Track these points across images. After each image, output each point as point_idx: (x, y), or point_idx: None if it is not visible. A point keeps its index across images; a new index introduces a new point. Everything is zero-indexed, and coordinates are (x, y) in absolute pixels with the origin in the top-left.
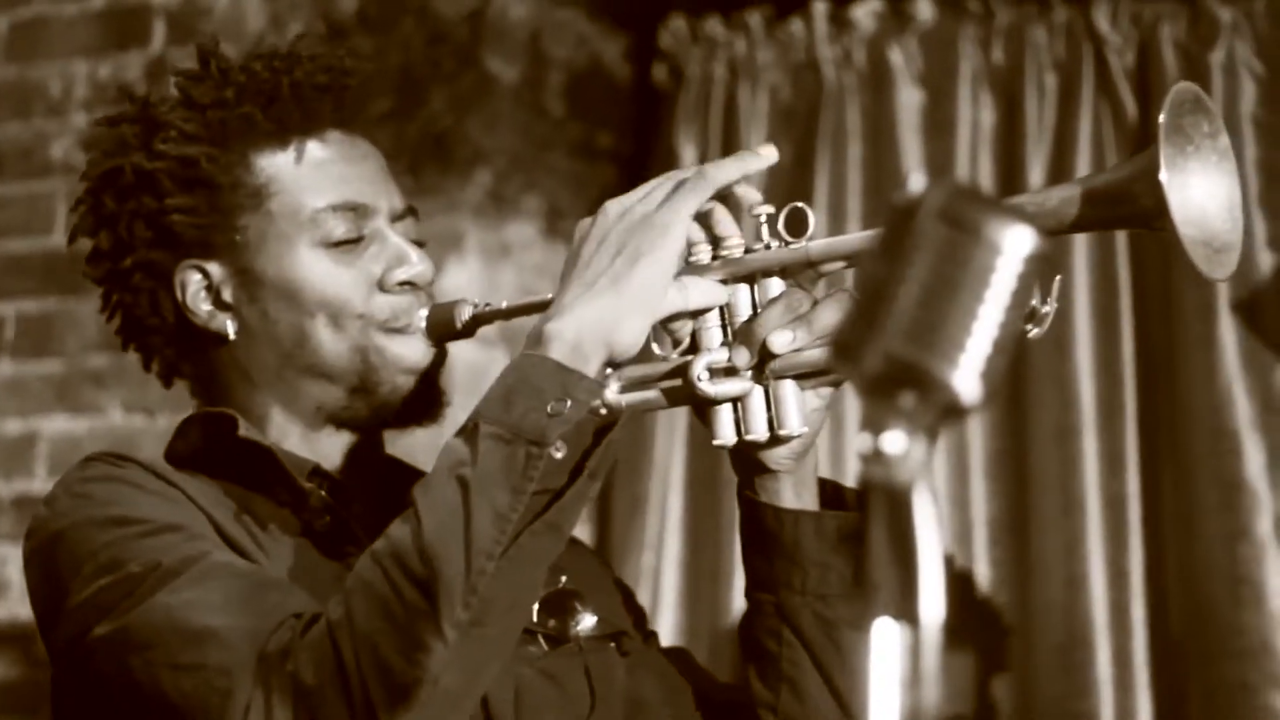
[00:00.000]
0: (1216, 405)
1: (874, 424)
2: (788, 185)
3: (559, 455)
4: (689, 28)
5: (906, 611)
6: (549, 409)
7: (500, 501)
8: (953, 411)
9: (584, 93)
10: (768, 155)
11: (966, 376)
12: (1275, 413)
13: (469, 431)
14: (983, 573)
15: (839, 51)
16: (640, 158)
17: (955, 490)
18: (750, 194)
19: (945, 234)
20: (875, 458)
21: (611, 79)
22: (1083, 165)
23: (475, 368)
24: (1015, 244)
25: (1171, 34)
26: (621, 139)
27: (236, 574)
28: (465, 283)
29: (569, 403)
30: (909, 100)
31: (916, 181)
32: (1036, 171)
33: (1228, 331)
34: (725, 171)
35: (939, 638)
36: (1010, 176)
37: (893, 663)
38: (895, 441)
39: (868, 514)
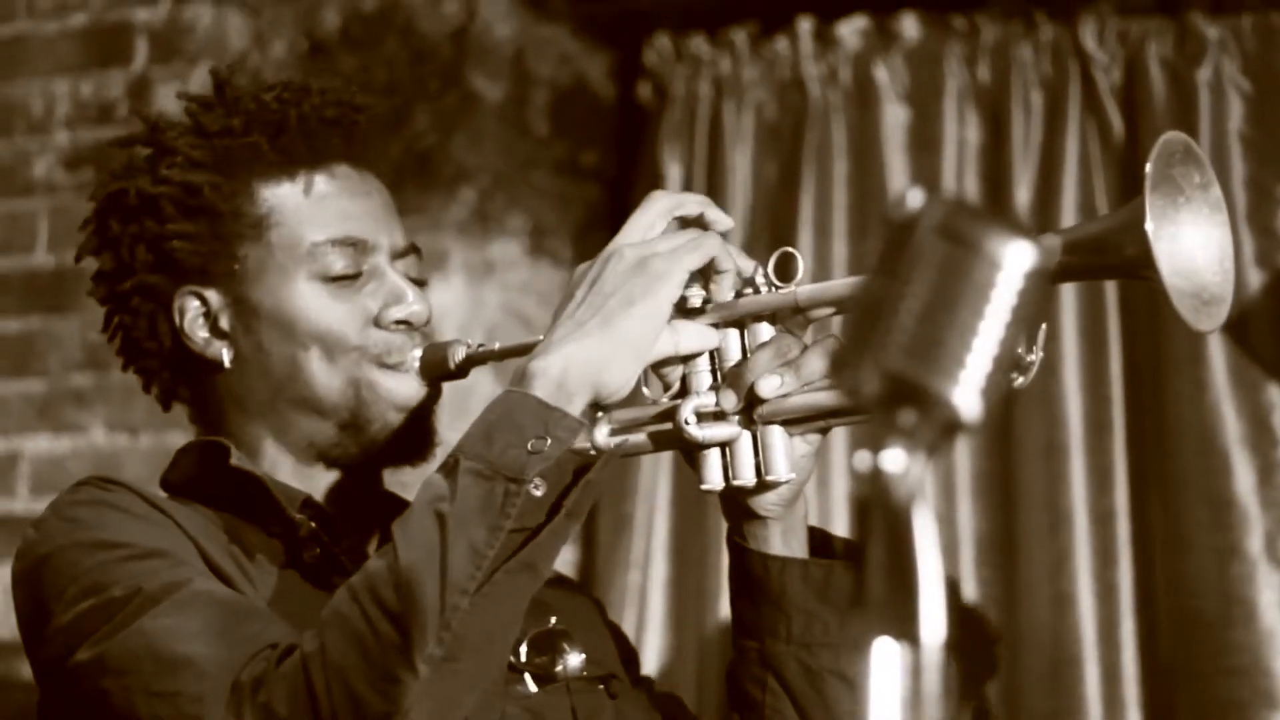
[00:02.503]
0: (1206, 423)
1: (873, 442)
2: (773, 203)
3: (538, 493)
4: (674, 46)
5: (906, 631)
6: (529, 446)
7: (477, 538)
8: (953, 429)
9: (568, 111)
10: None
11: (967, 393)
12: (1265, 430)
13: (449, 467)
14: (971, 591)
15: (824, 69)
16: (625, 176)
17: (942, 508)
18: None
19: (945, 249)
20: (874, 476)
21: (596, 97)
22: (1069, 184)
23: (460, 389)
24: (1016, 259)
25: (1158, 52)
26: (606, 157)
27: (217, 602)
28: (449, 301)
29: (549, 440)
30: (894, 118)
31: (915, 197)
32: (1023, 190)
33: (1216, 349)
34: (729, 256)
35: (939, 658)
36: (996, 194)
37: (893, 684)
38: (895, 459)
39: (865, 533)
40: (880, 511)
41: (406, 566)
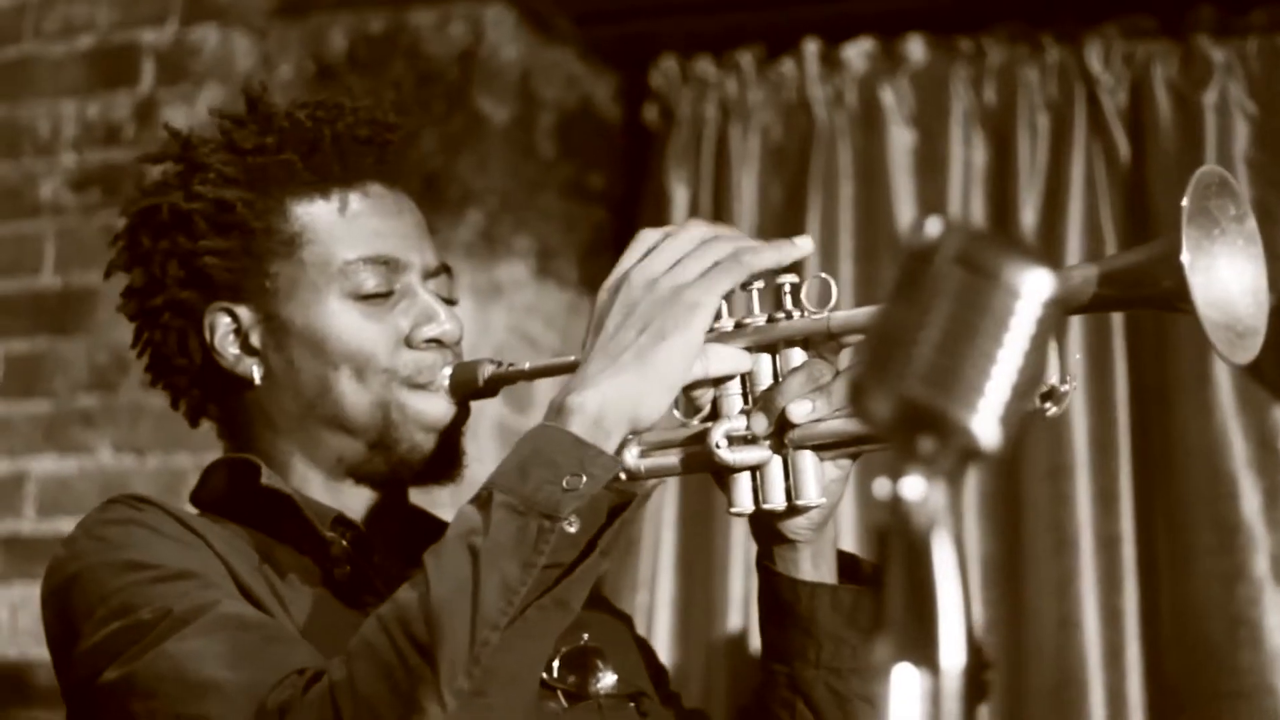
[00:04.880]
0: (1212, 445)
1: (892, 469)
2: (779, 225)
3: (571, 530)
4: (680, 68)
5: (926, 658)
6: (564, 483)
7: (509, 573)
8: (972, 456)
9: (575, 133)
10: (804, 246)
11: (986, 421)
12: (1271, 452)
13: (483, 500)
14: (974, 613)
15: (830, 91)
16: (631, 198)
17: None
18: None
19: (963, 278)
20: (894, 503)
21: (602, 119)
22: (1075, 206)
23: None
24: (1034, 288)
25: (1164, 74)
26: (612, 179)
27: (244, 625)
28: None
29: (584, 478)
30: (901, 140)
31: (933, 225)
32: (1029, 212)
33: (1223, 371)
34: (761, 258)
35: (959, 684)
36: (1003, 217)
37: (912, 710)
38: (914, 487)
39: (885, 560)
40: (900, 538)
41: (438, 599)
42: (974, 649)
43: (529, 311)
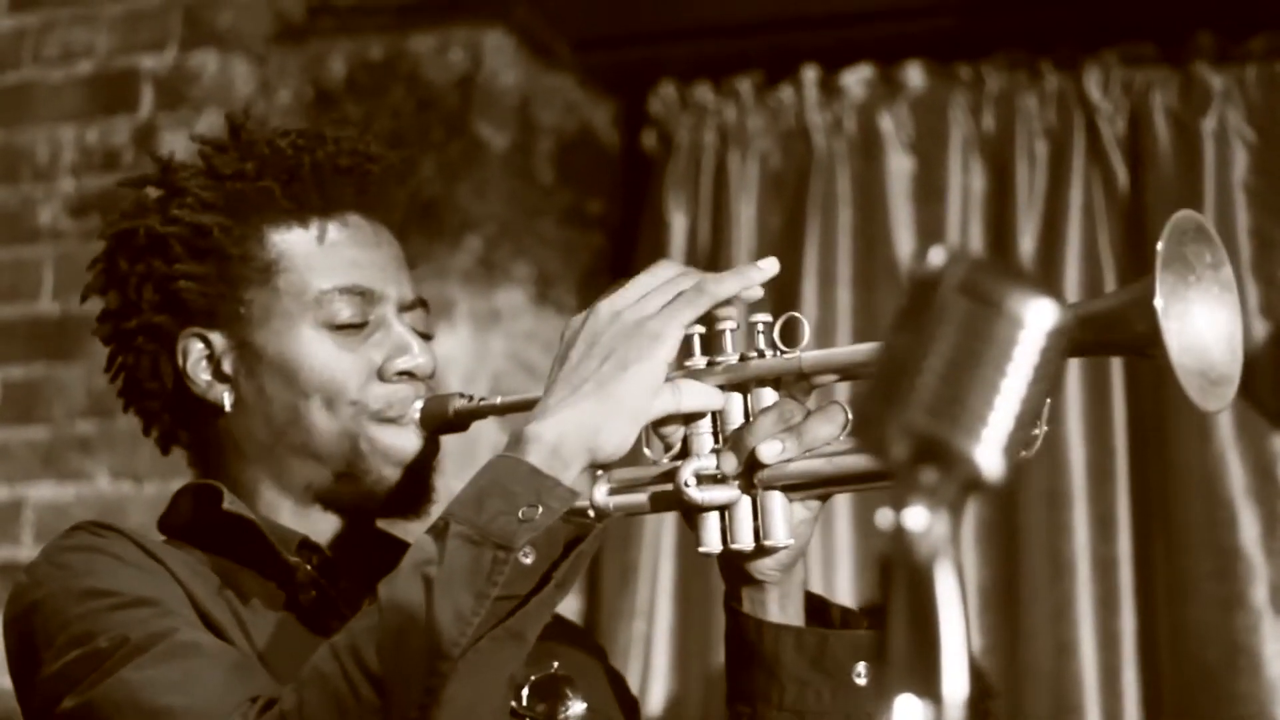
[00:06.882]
0: (1211, 473)
1: (895, 499)
2: (778, 252)
3: (527, 561)
4: (679, 94)
5: (928, 689)
6: (520, 514)
7: (463, 603)
8: (975, 486)
9: (573, 159)
10: (768, 268)
11: (989, 451)
12: (1270, 480)
13: (439, 530)
14: (972, 640)
15: (829, 118)
16: (630, 225)
17: None
18: (753, 292)
19: (967, 308)
20: (897, 533)
21: (601, 146)
22: (1073, 233)
23: (467, 439)
24: (1038, 318)
25: (1163, 101)
26: (611, 206)
27: (200, 654)
28: (455, 350)
29: (540, 509)
30: (899, 167)
31: (937, 255)
32: (1027, 239)
33: None
34: (725, 286)
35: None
36: (1001, 243)
37: None
38: (917, 517)
39: (888, 590)
40: (902, 569)
41: (390, 628)
42: (977, 677)
43: (528, 338)
